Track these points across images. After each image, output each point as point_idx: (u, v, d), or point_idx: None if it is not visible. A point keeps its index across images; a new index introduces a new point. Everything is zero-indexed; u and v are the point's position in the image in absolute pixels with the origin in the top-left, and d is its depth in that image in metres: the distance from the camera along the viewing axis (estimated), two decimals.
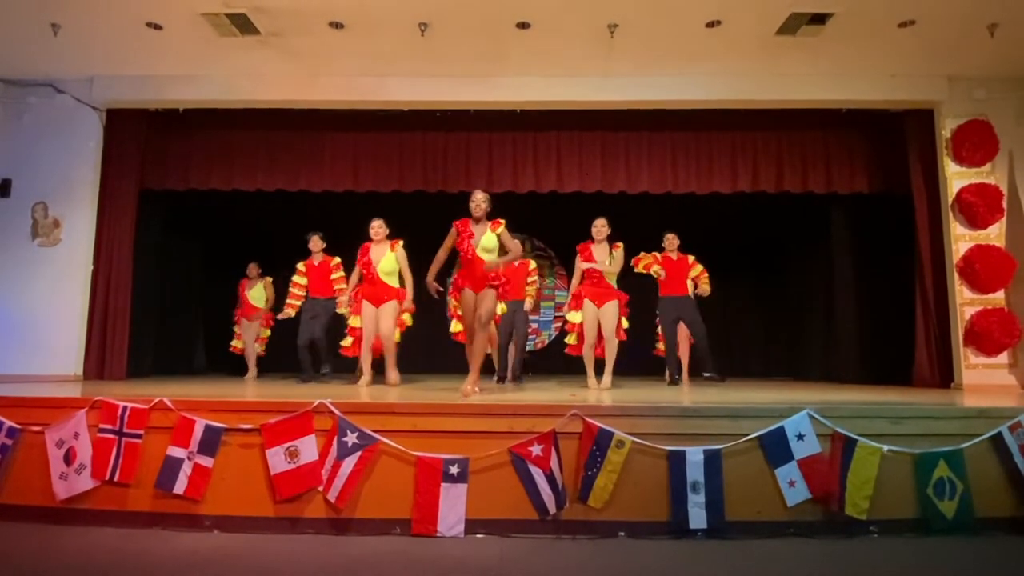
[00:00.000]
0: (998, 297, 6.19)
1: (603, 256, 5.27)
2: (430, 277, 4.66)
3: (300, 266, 6.27)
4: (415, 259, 5.57)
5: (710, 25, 5.57)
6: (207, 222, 8.38)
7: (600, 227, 5.37)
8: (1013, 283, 6.16)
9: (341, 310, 5.90)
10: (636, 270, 6.14)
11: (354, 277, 5.64)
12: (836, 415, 3.38)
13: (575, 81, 6.47)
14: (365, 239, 5.65)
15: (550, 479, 3.20)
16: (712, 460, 3.24)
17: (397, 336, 5.50)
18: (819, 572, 2.81)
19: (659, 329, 6.81)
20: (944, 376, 6.25)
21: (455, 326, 4.96)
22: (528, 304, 6.21)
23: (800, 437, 3.31)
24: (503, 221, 4.64)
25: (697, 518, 3.18)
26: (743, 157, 6.84)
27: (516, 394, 4.68)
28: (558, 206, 7.29)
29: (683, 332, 6.50)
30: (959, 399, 4.72)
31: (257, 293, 7.08)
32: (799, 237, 8.55)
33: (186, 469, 3.30)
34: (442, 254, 4.68)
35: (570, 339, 5.44)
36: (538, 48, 5.96)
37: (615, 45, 5.84)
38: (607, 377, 5.27)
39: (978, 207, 6.18)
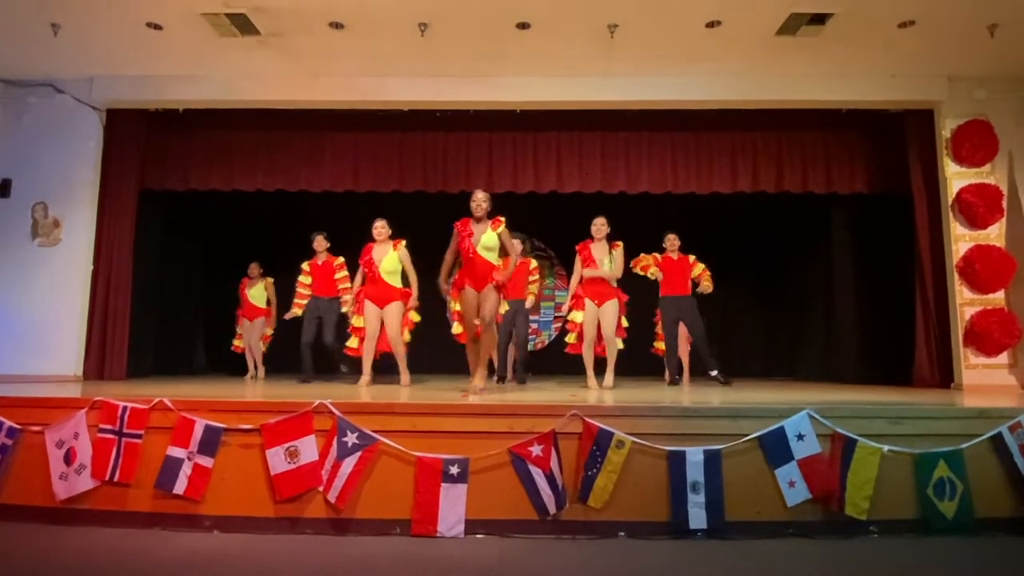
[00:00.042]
0: (998, 297, 6.19)
1: (602, 255, 5.28)
2: (441, 280, 4.72)
3: (305, 266, 6.31)
4: (415, 259, 5.59)
5: (710, 25, 5.58)
6: (207, 222, 8.38)
7: (600, 226, 5.37)
8: (1013, 283, 6.16)
9: (345, 309, 5.93)
10: (635, 271, 6.15)
11: (358, 278, 5.66)
12: (836, 415, 3.38)
13: (575, 81, 6.48)
14: (365, 239, 5.66)
15: (550, 479, 3.20)
16: (712, 460, 3.24)
17: (407, 336, 5.52)
18: (819, 572, 2.80)
19: (657, 328, 6.83)
20: (944, 376, 6.25)
21: (457, 327, 4.95)
22: (530, 302, 6.22)
23: (800, 437, 3.31)
24: (503, 219, 4.65)
25: (697, 518, 3.18)
26: (743, 157, 6.84)
27: (516, 394, 4.68)
28: (558, 206, 7.29)
29: (684, 332, 6.51)
30: (959, 399, 4.72)
31: (258, 293, 7.09)
32: (799, 237, 8.56)
33: (186, 469, 3.29)
34: (449, 256, 4.71)
35: (570, 338, 5.45)
36: (538, 48, 5.96)
37: (615, 45, 5.84)
38: (608, 377, 5.27)
39: (978, 207, 6.19)
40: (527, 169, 6.90)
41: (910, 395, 5.01)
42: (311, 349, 6.12)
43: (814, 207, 7.46)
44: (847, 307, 7.25)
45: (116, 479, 3.32)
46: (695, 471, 3.23)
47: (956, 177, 6.37)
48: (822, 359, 7.90)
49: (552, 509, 3.20)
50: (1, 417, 3.52)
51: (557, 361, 7.84)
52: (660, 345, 6.77)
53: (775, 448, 3.30)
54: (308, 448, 3.30)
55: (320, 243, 6.29)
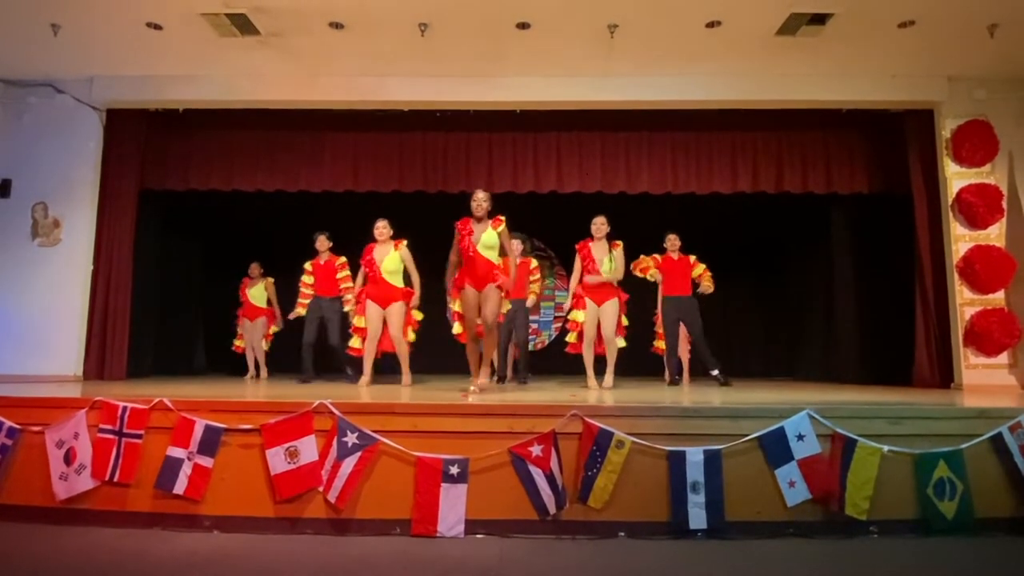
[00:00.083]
0: (998, 297, 6.19)
1: (602, 254, 5.28)
2: (448, 281, 4.77)
3: (307, 266, 6.33)
4: (415, 259, 5.60)
5: (710, 25, 5.58)
6: (207, 222, 8.38)
7: (599, 225, 5.37)
8: (1013, 283, 6.16)
9: (347, 309, 5.95)
10: (634, 273, 6.15)
11: (359, 278, 5.68)
12: (836, 415, 3.38)
13: (575, 81, 6.48)
14: (365, 239, 5.67)
15: (550, 479, 3.20)
16: (712, 460, 3.24)
17: (412, 336, 5.53)
18: (819, 572, 2.81)
19: (656, 328, 6.83)
20: (944, 376, 6.25)
21: (457, 327, 4.96)
22: (530, 301, 6.22)
23: (800, 437, 3.31)
24: (503, 218, 4.67)
25: (697, 518, 3.18)
26: (743, 157, 6.84)
27: (516, 394, 4.68)
28: (558, 206, 7.29)
29: (684, 332, 6.51)
30: (959, 399, 4.72)
31: (258, 292, 7.10)
32: (799, 237, 8.56)
33: (186, 469, 3.29)
34: (454, 257, 4.74)
35: (571, 337, 5.46)
36: (538, 48, 5.96)
37: (615, 45, 5.84)
38: (608, 377, 5.28)
39: (978, 207, 6.19)
40: (527, 169, 6.90)
41: (910, 395, 5.00)
42: (312, 349, 6.13)
43: (814, 207, 7.46)
44: (847, 307, 7.25)
45: (116, 479, 3.32)
46: (695, 471, 3.23)
47: (956, 177, 6.38)
48: (822, 359, 7.90)
49: (552, 509, 3.20)
50: (1, 417, 3.52)
51: (557, 361, 7.84)
52: (660, 344, 6.77)
53: (775, 448, 3.30)
54: (308, 448, 3.30)
55: (322, 243, 6.30)
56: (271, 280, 7.17)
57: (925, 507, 3.25)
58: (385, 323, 5.45)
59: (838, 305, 7.37)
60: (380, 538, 3.17)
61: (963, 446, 3.33)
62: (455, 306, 4.88)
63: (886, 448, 3.27)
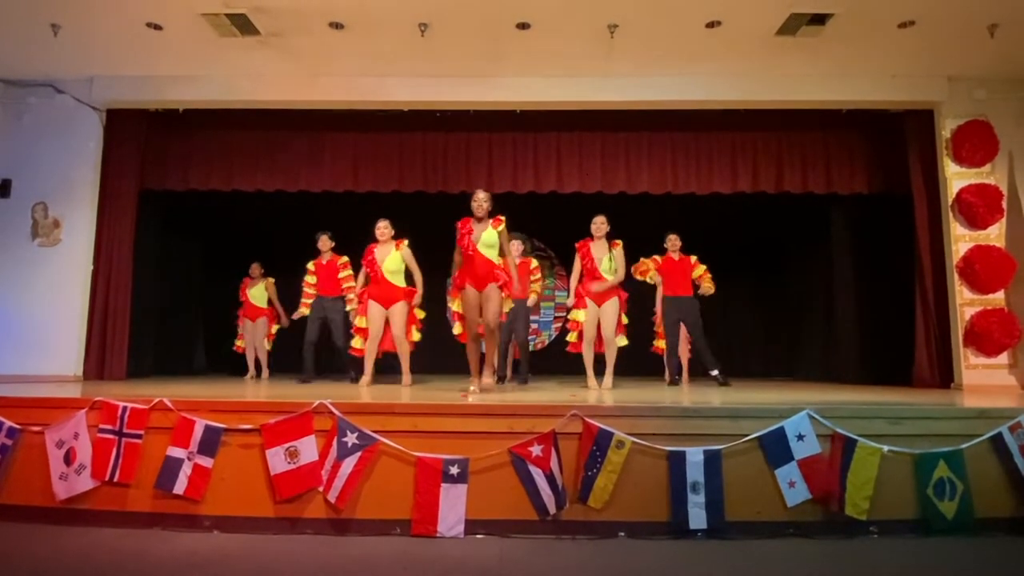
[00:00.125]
0: (998, 297, 6.19)
1: (601, 254, 5.28)
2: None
3: (310, 265, 6.34)
4: (416, 260, 5.59)
5: (710, 25, 5.57)
6: (207, 222, 8.38)
7: (599, 224, 5.37)
8: (1013, 283, 6.15)
9: (349, 308, 5.96)
10: (635, 276, 6.16)
11: (360, 278, 5.70)
12: (836, 415, 3.38)
13: (575, 81, 6.47)
14: (365, 239, 5.67)
15: (550, 479, 3.20)
16: (712, 460, 3.24)
17: (416, 335, 5.54)
18: (819, 572, 2.81)
19: (656, 327, 6.84)
20: (944, 376, 6.25)
21: (457, 327, 4.97)
22: (531, 300, 6.22)
23: (800, 437, 3.31)
24: (503, 218, 4.68)
25: (697, 518, 3.18)
26: (743, 157, 6.84)
27: (516, 394, 4.68)
28: (558, 206, 7.29)
29: (684, 332, 6.51)
30: (959, 399, 4.72)
31: (258, 293, 7.10)
32: (799, 237, 8.56)
33: (186, 469, 3.29)
34: (458, 256, 4.74)
35: (571, 337, 5.46)
36: (538, 48, 5.96)
37: (615, 45, 5.84)
38: (607, 378, 5.28)
39: (978, 207, 6.19)
40: (527, 169, 6.90)
41: (910, 395, 5.01)
42: (314, 349, 6.14)
43: (814, 207, 7.46)
44: (847, 307, 7.25)
45: (116, 479, 3.32)
46: (695, 471, 3.23)
47: (956, 177, 6.38)
48: (822, 359, 7.90)
49: (552, 509, 3.20)
50: (1, 417, 3.52)
51: (557, 361, 7.85)
52: (660, 344, 6.77)
53: (775, 448, 3.30)
54: (308, 448, 3.30)
55: (324, 243, 6.32)
56: (272, 280, 7.17)
57: (925, 507, 3.25)
58: (387, 323, 5.45)
59: (838, 305, 7.37)
60: (380, 538, 3.17)
61: (963, 446, 3.33)
62: (455, 306, 4.89)
63: (886, 448, 3.27)
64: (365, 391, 4.86)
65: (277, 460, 3.27)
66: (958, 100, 6.41)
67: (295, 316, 6.42)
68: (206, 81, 6.50)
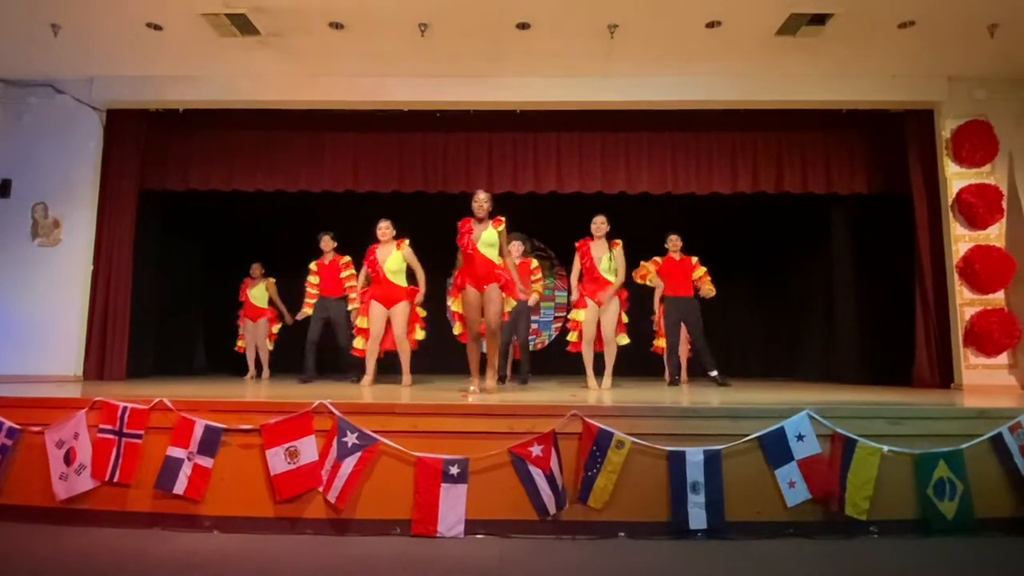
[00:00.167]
0: (998, 297, 6.19)
1: (601, 253, 5.28)
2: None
3: (312, 266, 6.36)
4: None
5: (710, 25, 5.57)
6: (207, 222, 8.38)
7: (599, 224, 5.37)
8: (1013, 283, 6.15)
9: (351, 307, 5.99)
10: (636, 280, 6.17)
11: (362, 278, 5.71)
12: (836, 415, 3.38)
13: (575, 81, 6.47)
14: (365, 239, 5.67)
15: (550, 479, 3.20)
16: (712, 460, 3.24)
17: (421, 333, 5.55)
18: (819, 572, 2.81)
19: (654, 326, 6.84)
20: (944, 376, 6.25)
21: (458, 327, 4.97)
22: (533, 300, 6.22)
23: (800, 437, 3.31)
24: (504, 219, 4.69)
25: (697, 518, 3.18)
26: (743, 157, 6.84)
27: (516, 394, 4.68)
28: (558, 207, 7.29)
29: (684, 332, 6.51)
30: (959, 399, 4.72)
31: (259, 293, 7.11)
32: (799, 237, 8.56)
33: (186, 469, 3.29)
34: (461, 256, 4.74)
35: (572, 336, 5.45)
36: (538, 48, 5.96)
37: (615, 45, 5.84)
38: (606, 380, 5.28)
39: (978, 207, 6.18)
40: (527, 169, 6.90)
41: (910, 395, 5.01)
42: (315, 349, 6.16)
43: (814, 207, 7.46)
44: (847, 307, 7.25)
45: (116, 479, 3.32)
46: (695, 471, 3.23)
47: (956, 177, 6.37)
48: (822, 359, 7.90)
49: (552, 509, 3.20)
50: (1, 417, 3.52)
51: (557, 361, 7.85)
52: (659, 343, 6.78)
53: (775, 448, 3.30)
54: (308, 448, 3.30)
55: (327, 243, 6.34)
56: (272, 280, 7.17)
57: (925, 507, 3.25)
58: (389, 322, 5.46)
59: (838, 305, 7.37)
60: (380, 538, 3.17)
61: (963, 446, 3.33)
62: (455, 306, 4.89)
63: (886, 448, 3.27)
64: (365, 391, 4.86)
65: (277, 460, 3.27)
66: (958, 100, 6.41)
67: (299, 317, 6.42)
68: (206, 81, 6.50)
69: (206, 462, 3.31)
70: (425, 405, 3.54)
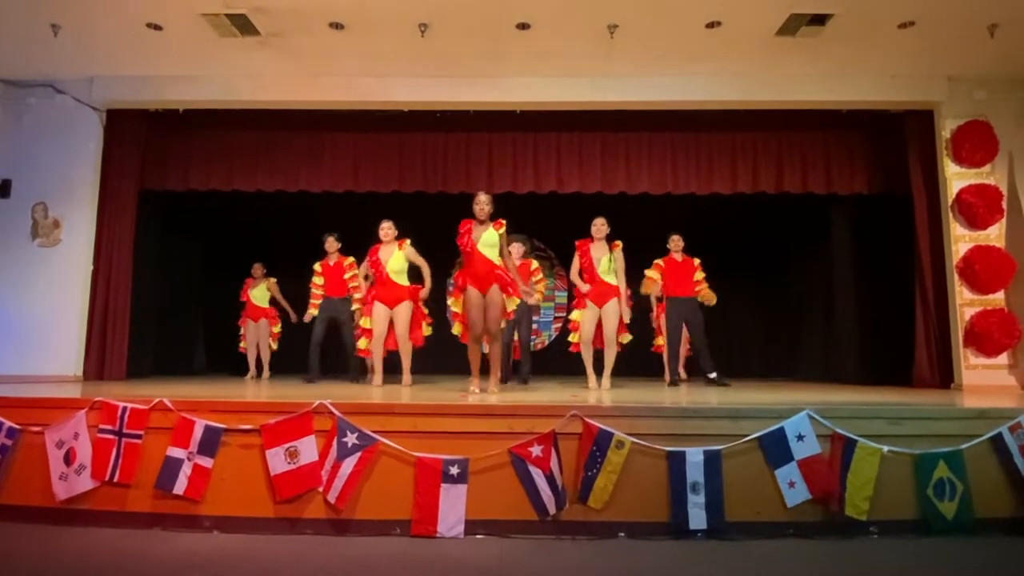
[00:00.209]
0: (998, 298, 6.19)
1: (601, 255, 5.27)
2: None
3: (317, 267, 6.39)
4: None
5: (710, 26, 5.57)
6: (207, 222, 8.39)
7: (600, 226, 5.37)
8: (1013, 284, 6.15)
9: (354, 308, 6.02)
10: (643, 293, 6.19)
11: (362, 271, 5.76)
12: (836, 416, 3.38)
13: (575, 81, 6.47)
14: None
15: (550, 480, 3.20)
16: (712, 461, 3.24)
17: (428, 330, 5.57)
18: (819, 573, 2.80)
19: (654, 325, 6.84)
20: (944, 377, 6.25)
21: (457, 327, 4.97)
22: (536, 299, 6.22)
23: (800, 438, 3.31)
24: (504, 222, 4.70)
25: (697, 519, 3.18)
26: (743, 158, 6.84)
27: (516, 394, 4.68)
28: (558, 207, 7.29)
29: (684, 332, 6.52)
30: (959, 400, 4.72)
31: (260, 293, 7.11)
32: (799, 237, 8.56)
33: (186, 469, 3.29)
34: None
35: (573, 337, 5.44)
36: (538, 48, 5.96)
37: (615, 45, 5.84)
38: (606, 379, 5.28)
39: (978, 208, 6.19)
40: (527, 169, 6.90)
41: (910, 395, 5.01)
42: (320, 349, 6.18)
43: (814, 207, 7.46)
44: (847, 307, 7.26)
45: (116, 479, 3.32)
46: (695, 471, 3.23)
47: (956, 177, 6.37)
48: (822, 359, 7.90)
49: (552, 509, 3.20)
50: (1, 417, 3.52)
51: (557, 361, 7.85)
52: (659, 342, 6.78)
53: (775, 448, 3.30)
54: (308, 448, 3.30)
55: (331, 244, 6.37)
56: (274, 280, 7.18)
57: (925, 507, 3.25)
58: (391, 322, 5.46)
59: (838, 305, 7.37)
60: (380, 538, 3.17)
61: (963, 446, 3.33)
62: (455, 307, 4.89)
63: (886, 448, 3.27)
64: (364, 391, 4.86)
65: (277, 460, 3.27)
66: (958, 100, 6.41)
67: (305, 319, 6.42)
68: (206, 81, 6.50)
69: (206, 462, 3.31)
70: (425, 405, 3.54)
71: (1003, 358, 6.12)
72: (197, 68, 6.35)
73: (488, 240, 4.61)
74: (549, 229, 8.62)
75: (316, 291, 6.33)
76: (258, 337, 7.09)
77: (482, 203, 4.66)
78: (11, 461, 3.47)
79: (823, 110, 6.62)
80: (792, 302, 8.82)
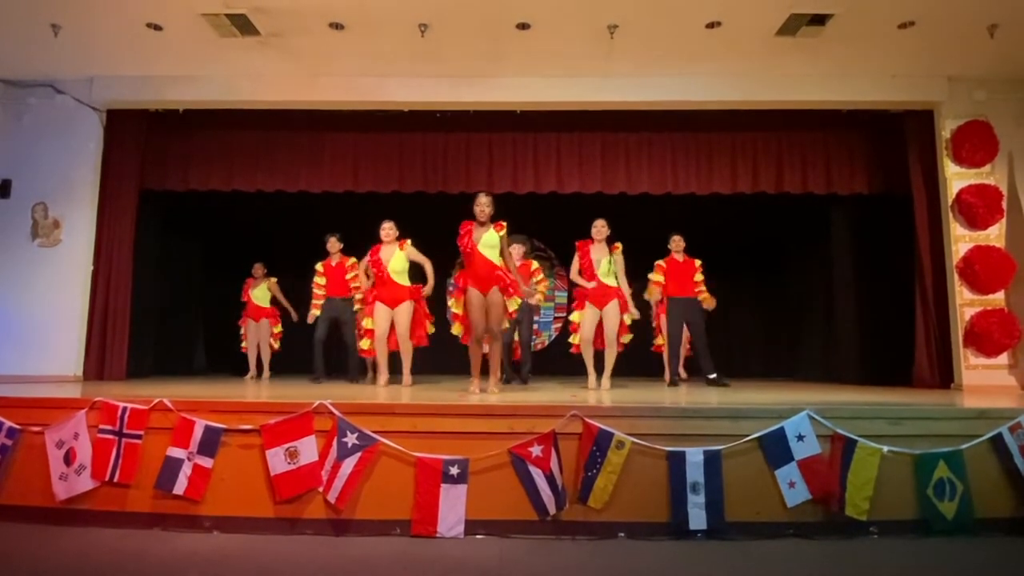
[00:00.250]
0: (998, 298, 6.19)
1: (601, 256, 5.27)
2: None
3: (319, 267, 6.41)
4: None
5: (710, 26, 5.57)
6: (207, 222, 8.38)
7: (600, 228, 5.36)
8: (1013, 284, 6.15)
9: (357, 308, 6.05)
10: (646, 298, 6.18)
11: (362, 267, 5.78)
12: (836, 416, 3.38)
13: (575, 82, 6.47)
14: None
15: (550, 480, 3.20)
16: (712, 461, 3.24)
17: (431, 327, 5.58)
18: (819, 573, 2.81)
19: (654, 325, 6.84)
20: (944, 377, 6.25)
21: (457, 328, 4.97)
22: (537, 299, 6.22)
23: (800, 438, 3.31)
24: (505, 224, 4.71)
25: (697, 519, 3.18)
26: (743, 158, 6.84)
27: (516, 394, 4.68)
28: (558, 207, 7.29)
29: (684, 332, 6.52)
30: (959, 400, 4.72)
31: (261, 293, 7.12)
32: (799, 237, 8.56)
33: (186, 470, 3.29)
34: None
35: (574, 339, 5.43)
36: (538, 48, 5.96)
37: (615, 45, 5.84)
38: (606, 380, 5.27)
39: (978, 208, 6.19)
40: (527, 170, 6.90)
41: (910, 396, 5.01)
42: (323, 347, 6.20)
43: (814, 207, 7.46)
44: (847, 307, 7.25)
45: (116, 479, 3.32)
46: (695, 472, 3.23)
47: (956, 178, 6.37)
48: (822, 359, 7.90)
49: (552, 510, 3.20)
50: (1, 417, 3.52)
51: (557, 361, 7.85)
52: (659, 342, 6.79)
53: (775, 449, 3.30)
54: (308, 449, 3.30)
55: (333, 244, 6.39)
56: (274, 280, 7.18)
57: (925, 507, 3.25)
58: (393, 323, 5.47)
59: (838, 305, 7.37)
60: (380, 538, 3.17)
61: (963, 447, 3.33)
62: (455, 308, 4.89)
63: (886, 448, 3.27)
64: (364, 391, 4.86)
65: (277, 460, 3.27)
66: (958, 100, 6.41)
67: (308, 320, 6.42)
68: (206, 81, 6.50)
69: (206, 462, 3.31)
70: (425, 405, 3.54)
71: (1003, 358, 6.12)
72: (197, 68, 6.35)
73: (488, 241, 4.61)
74: (549, 229, 8.62)
75: (318, 291, 6.34)
76: (259, 337, 7.09)
77: (483, 205, 4.66)
78: (11, 461, 3.47)
79: (823, 110, 6.62)
80: (792, 302, 8.82)
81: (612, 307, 5.18)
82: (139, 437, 3.38)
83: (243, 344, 7.21)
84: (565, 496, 3.22)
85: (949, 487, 3.25)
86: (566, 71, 6.37)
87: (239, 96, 6.56)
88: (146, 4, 5.33)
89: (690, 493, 3.20)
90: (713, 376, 6.06)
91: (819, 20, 5.42)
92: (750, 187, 6.82)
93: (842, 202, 7.17)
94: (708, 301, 6.19)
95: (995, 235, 6.27)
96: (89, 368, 6.33)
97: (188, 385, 5.44)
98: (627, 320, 5.25)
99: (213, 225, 8.49)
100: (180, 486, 3.28)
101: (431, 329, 5.60)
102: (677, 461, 3.25)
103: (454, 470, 3.22)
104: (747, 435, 3.31)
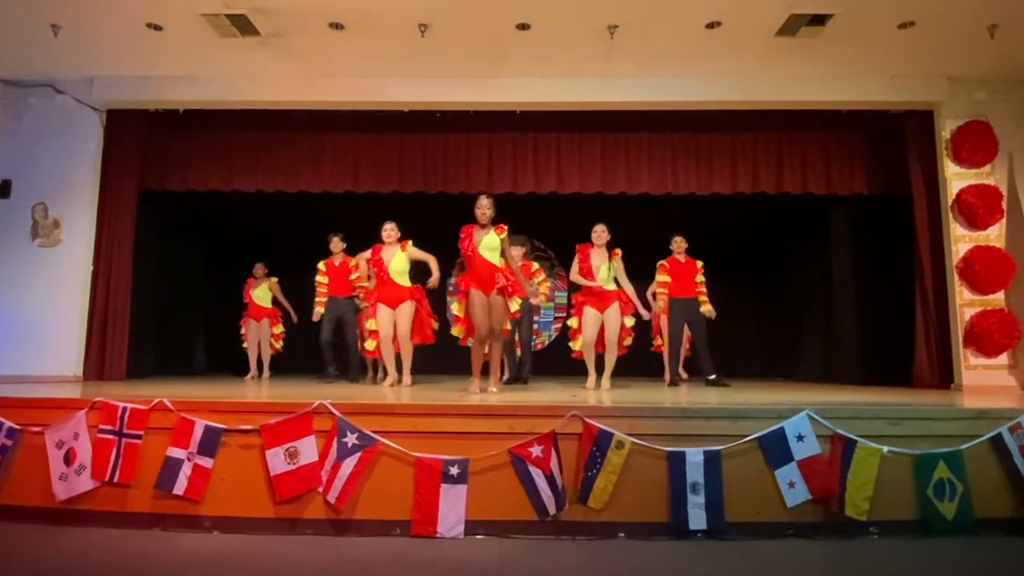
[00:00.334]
0: (998, 298, 6.19)
1: (600, 261, 5.26)
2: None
3: (321, 266, 6.43)
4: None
5: (710, 26, 5.58)
6: (207, 222, 8.39)
7: (600, 232, 5.35)
8: (1013, 284, 6.16)
9: (363, 305, 6.08)
10: (656, 310, 6.20)
11: (362, 262, 5.80)
12: (836, 416, 3.38)
13: (575, 82, 6.47)
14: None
15: (550, 480, 3.20)
16: (712, 461, 3.24)
17: (435, 324, 5.60)
18: (819, 573, 2.81)
19: (654, 325, 6.84)
20: (944, 377, 6.25)
21: (457, 330, 4.97)
22: (539, 300, 6.22)
23: (800, 438, 3.31)
24: (506, 227, 4.71)
25: (697, 519, 3.18)
26: (743, 158, 6.84)
27: (516, 394, 4.68)
28: (558, 207, 7.29)
29: (684, 332, 6.52)
30: (959, 400, 4.72)
31: (262, 293, 7.11)
32: (799, 237, 8.56)
33: (186, 470, 3.29)
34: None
35: (574, 345, 5.41)
36: (538, 49, 5.96)
37: (615, 46, 5.84)
38: (605, 381, 5.27)
39: (978, 208, 6.19)
40: (527, 170, 6.90)
41: (910, 396, 5.01)
42: (330, 347, 6.23)
43: (814, 207, 7.46)
44: (847, 307, 7.26)
45: (116, 480, 3.32)
46: (695, 472, 3.23)
47: (956, 178, 6.38)
48: (822, 359, 7.90)
49: (552, 510, 3.20)
50: (1, 417, 3.52)
51: (558, 361, 7.85)
52: (659, 342, 6.79)
53: (775, 449, 3.30)
54: (308, 449, 3.30)
55: (336, 244, 6.42)
56: (275, 280, 7.18)
57: (925, 508, 3.25)
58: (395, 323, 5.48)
59: (838, 305, 7.38)
60: (380, 539, 3.17)
61: (963, 447, 3.33)
62: (457, 310, 4.88)
63: (886, 449, 3.27)
64: (364, 391, 4.86)
65: (277, 461, 3.27)
66: (958, 100, 6.41)
67: (314, 318, 6.42)
68: (206, 81, 6.50)
69: (206, 462, 3.31)
70: (425, 405, 3.55)
71: (1003, 358, 6.12)
72: (197, 68, 6.35)
73: (489, 244, 4.61)
74: (549, 230, 8.63)
75: (321, 289, 6.36)
76: (259, 337, 7.09)
77: (483, 207, 4.66)
78: (11, 461, 3.47)
79: (823, 110, 6.62)
80: (792, 302, 8.82)
81: (613, 310, 5.17)
82: (139, 437, 3.38)
83: (244, 345, 7.21)
84: (565, 496, 3.22)
85: (949, 487, 3.25)
86: (566, 71, 6.38)
87: (239, 96, 6.56)
88: (146, 4, 5.33)
89: (690, 493, 3.20)
90: (713, 376, 6.07)
91: (819, 20, 5.42)
92: (750, 187, 6.83)
93: (842, 202, 7.18)
94: (709, 312, 6.17)
95: (995, 235, 6.27)
96: (89, 368, 6.33)
97: (188, 385, 5.44)
98: (628, 322, 5.24)
99: (213, 225, 8.49)
100: (180, 486, 3.28)
101: (435, 325, 5.59)
102: (677, 461, 3.25)
103: (454, 470, 3.22)
104: (747, 435, 3.31)
